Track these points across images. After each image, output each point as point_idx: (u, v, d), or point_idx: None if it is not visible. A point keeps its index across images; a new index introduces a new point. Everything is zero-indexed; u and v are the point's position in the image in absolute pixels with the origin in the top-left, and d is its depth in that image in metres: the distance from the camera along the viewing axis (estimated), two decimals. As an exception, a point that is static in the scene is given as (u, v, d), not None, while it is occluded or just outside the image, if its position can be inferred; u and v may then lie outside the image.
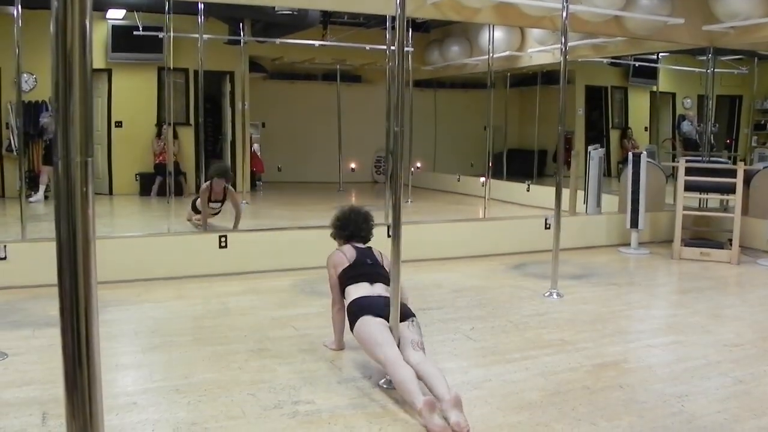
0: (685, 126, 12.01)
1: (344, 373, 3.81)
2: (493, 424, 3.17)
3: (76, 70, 1.36)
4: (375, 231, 6.99)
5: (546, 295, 5.70)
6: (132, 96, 10.62)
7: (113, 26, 10.17)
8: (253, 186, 11.39)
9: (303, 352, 4.16)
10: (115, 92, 10.55)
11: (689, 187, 7.69)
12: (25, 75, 8.96)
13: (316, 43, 10.43)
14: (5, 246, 5.63)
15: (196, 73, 8.94)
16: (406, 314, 3.69)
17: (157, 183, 10.19)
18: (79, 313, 1.48)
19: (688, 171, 7.62)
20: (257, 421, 3.15)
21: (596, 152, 8.77)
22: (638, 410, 3.37)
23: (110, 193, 10.46)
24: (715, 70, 9.29)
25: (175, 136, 10.22)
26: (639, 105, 12.70)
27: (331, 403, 3.37)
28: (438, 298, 5.54)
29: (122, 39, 10.15)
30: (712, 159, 8.90)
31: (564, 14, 5.83)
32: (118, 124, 10.56)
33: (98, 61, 10.20)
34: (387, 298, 3.69)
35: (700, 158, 8.92)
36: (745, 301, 5.77)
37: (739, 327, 4.92)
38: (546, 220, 7.74)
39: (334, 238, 4.32)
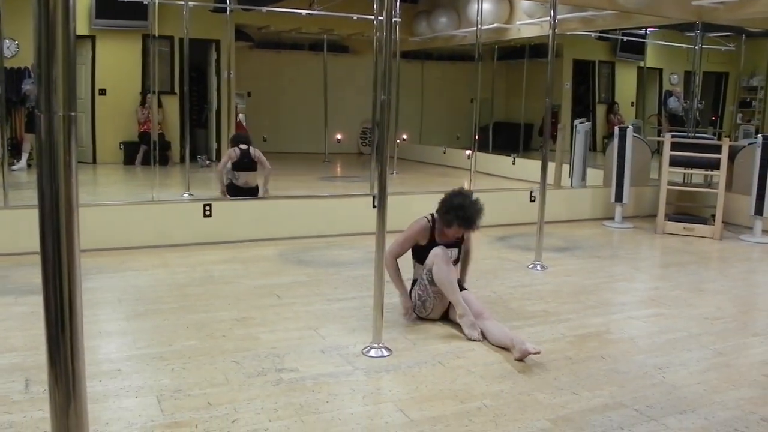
0: (672, 102, 12.02)
1: (328, 341, 3.82)
2: (476, 392, 3.19)
3: (59, 20, 1.34)
4: (359, 201, 7.05)
5: (530, 266, 5.73)
6: (116, 64, 10.48)
7: (97, -8, 10.03)
8: (238, 156, 11.33)
9: (287, 320, 4.17)
10: (98, 59, 10.40)
11: (674, 163, 7.71)
12: (7, 41, 8.83)
13: (303, 11, 10.32)
14: (-13, 212, 5.59)
15: (181, 41, 8.83)
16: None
17: (142, 152, 10.10)
18: (62, 275, 1.47)
19: (674, 146, 7.64)
20: (241, 388, 3.16)
21: (582, 126, 8.78)
22: (619, 380, 3.40)
23: (94, 161, 10.36)
24: (703, 46, 9.29)
25: (160, 104, 10.11)
26: (626, 80, 12.69)
27: (314, 371, 3.38)
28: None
29: (106, 5, 9.99)
30: (698, 135, 8.92)
31: (553, -14, 5.80)
32: (102, 92, 10.43)
33: (82, 27, 10.05)
34: None
35: (685, 134, 8.94)
36: (727, 276, 5.81)
37: (720, 301, 4.97)
38: (531, 193, 7.75)
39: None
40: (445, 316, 4.22)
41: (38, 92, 1.31)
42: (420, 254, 4.24)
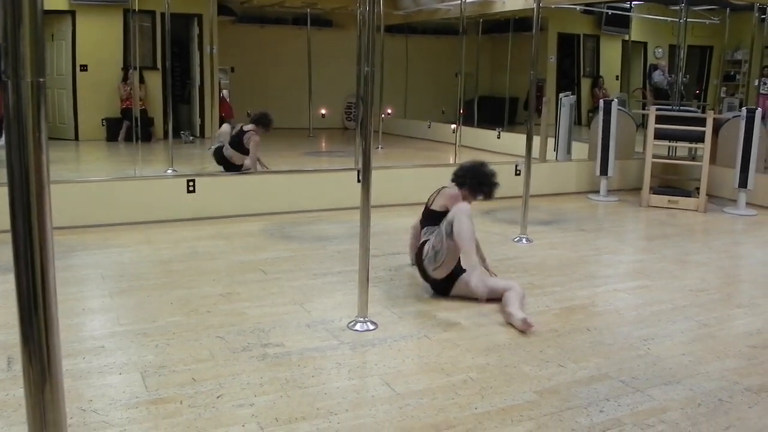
0: (656, 75, 12.01)
1: (313, 315, 3.80)
2: (462, 365, 3.19)
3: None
4: (344, 176, 7.01)
5: (515, 240, 5.73)
6: (97, 39, 10.34)
7: (76, -34, 9.88)
8: (222, 132, 11.25)
9: (272, 295, 4.15)
10: (79, 35, 10.26)
11: (659, 136, 7.72)
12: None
13: (286, -15, 10.23)
14: (-33, 190, 5.51)
15: (162, 15, 8.75)
16: None
17: (124, 128, 10.01)
18: (33, 252, 1.43)
19: (658, 119, 7.64)
20: (226, 363, 3.14)
21: (567, 100, 8.76)
22: (605, 352, 3.41)
23: (76, 138, 10.25)
24: (687, 20, 9.26)
25: (142, 80, 10.02)
26: (611, 54, 12.67)
27: (300, 346, 3.37)
28: (408, 242, 5.53)
29: (86, -21, 9.87)
30: (682, 108, 8.93)
31: (538, -43, 5.74)
32: (83, 68, 10.30)
33: (62, 2, 9.92)
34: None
35: (670, 107, 8.94)
36: (711, 248, 5.83)
37: (705, 273, 4.99)
38: (516, 166, 7.74)
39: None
40: (442, 291, 4.21)
41: (4, 57, 1.27)
42: (434, 219, 4.22)
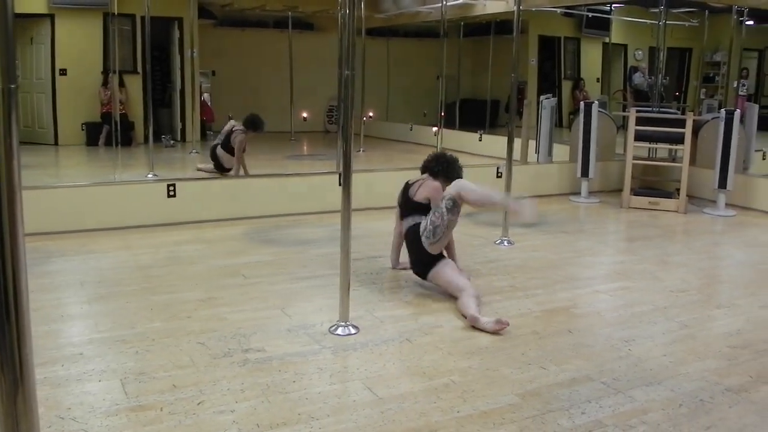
0: (637, 78, 12.08)
1: (294, 320, 3.79)
2: (443, 369, 3.18)
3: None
4: (325, 179, 7.01)
5: (497, 242, 5.74)
6: (77, 43, 10.25)
7: (55, -31, 9.80)
8: (203, 135, 11.16)
9: (253, 299, 4.12)
10: (58, 39, 10.16)
11: (639, 137, 7.75)
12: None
13: (267, -12, 10.20)
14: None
15: (143, 19, 8.68)
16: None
17: (105, 132, 9.92)
18: (4, 260, 1.41)
19: (639, 121, 7.67)
20: (206, 369, 3.12)
21: (548, 102, 8.78)
22: (586, 354, 3.41)
23: (56, 143, 10.14)
24: (667, 22, 9.32)
25: (122, 84, 9.95)
26: (591, 56, 12.73)
27: (281, 351, 3.35)
28: (389, 245, 5.52)
29: (65, -17, 9.79)
30: (662, 110, 8.98)
31: (517, -40, 5.76)
32: (63, 72, 10.20)
33: (40, 5, 9.83)
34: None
35: (650, 109, 8.99)
36: (691, 249, 5.87)
37: (685, 274, 5.01)
38: (498, 169, 7.75)
39: None
40: (421, 272, 4.29)
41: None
42: (420, 210, 4.38)
